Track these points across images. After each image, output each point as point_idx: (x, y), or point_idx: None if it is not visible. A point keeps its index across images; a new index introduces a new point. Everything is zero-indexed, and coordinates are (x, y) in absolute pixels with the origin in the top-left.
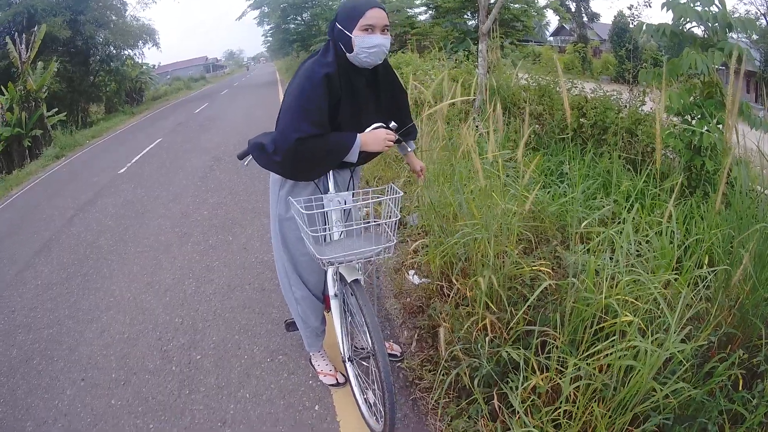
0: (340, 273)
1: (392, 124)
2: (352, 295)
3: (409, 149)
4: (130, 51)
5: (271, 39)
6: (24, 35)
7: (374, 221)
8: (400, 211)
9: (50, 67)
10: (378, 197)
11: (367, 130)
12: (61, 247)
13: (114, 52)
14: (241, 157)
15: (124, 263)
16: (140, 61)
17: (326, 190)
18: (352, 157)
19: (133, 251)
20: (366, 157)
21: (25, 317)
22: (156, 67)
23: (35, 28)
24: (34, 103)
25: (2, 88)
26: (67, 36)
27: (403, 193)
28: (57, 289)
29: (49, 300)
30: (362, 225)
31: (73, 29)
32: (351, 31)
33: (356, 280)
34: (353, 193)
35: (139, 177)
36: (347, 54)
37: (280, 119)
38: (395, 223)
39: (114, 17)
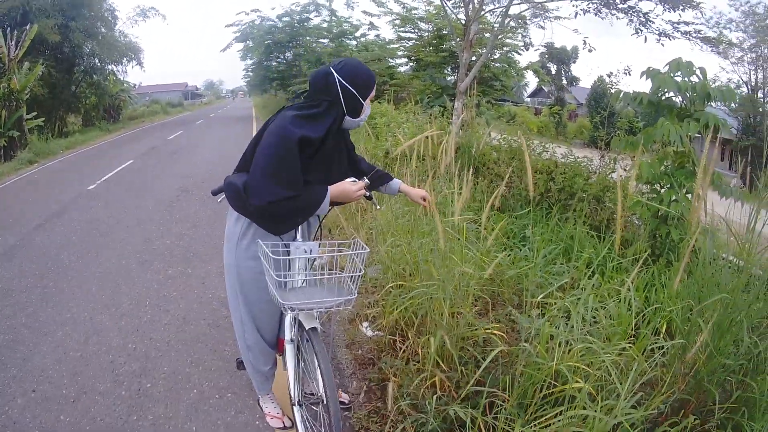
0: (298, 320)
1: (365, 180)
2: (308, 341)
3: (398, 187)
4: (113, 66)
5: (251, 74)
6: (15, 32)
7: (337, 273)
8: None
9: (36, 69)
10: (343, 250)
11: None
12: (24, 256)
13: (98, 64)
14: (215, 193)
15: (84, 281)
16: (122, 78)
17: (293, 238)
18: (323, 210)
19: (94, 271)
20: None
21: None
22: (136, 87)
23: (27, 27)
24: (15, 103)
25: None
26: (56, 40)
27: (368, 250)
28: (16, 296)
29: (8, 306)
30: (326, 276)
31: (63, 35)
32: (365, 99)
33: (314, 328)
34: (319, 244)
35: (108, 196)
36: (346, 117)
37: (252, 175)
38: (358, 278)
39: (103, 29)
